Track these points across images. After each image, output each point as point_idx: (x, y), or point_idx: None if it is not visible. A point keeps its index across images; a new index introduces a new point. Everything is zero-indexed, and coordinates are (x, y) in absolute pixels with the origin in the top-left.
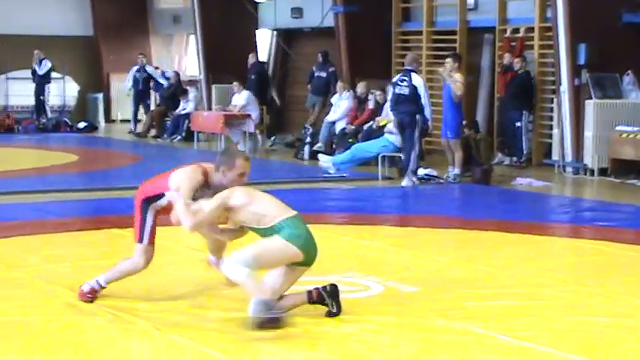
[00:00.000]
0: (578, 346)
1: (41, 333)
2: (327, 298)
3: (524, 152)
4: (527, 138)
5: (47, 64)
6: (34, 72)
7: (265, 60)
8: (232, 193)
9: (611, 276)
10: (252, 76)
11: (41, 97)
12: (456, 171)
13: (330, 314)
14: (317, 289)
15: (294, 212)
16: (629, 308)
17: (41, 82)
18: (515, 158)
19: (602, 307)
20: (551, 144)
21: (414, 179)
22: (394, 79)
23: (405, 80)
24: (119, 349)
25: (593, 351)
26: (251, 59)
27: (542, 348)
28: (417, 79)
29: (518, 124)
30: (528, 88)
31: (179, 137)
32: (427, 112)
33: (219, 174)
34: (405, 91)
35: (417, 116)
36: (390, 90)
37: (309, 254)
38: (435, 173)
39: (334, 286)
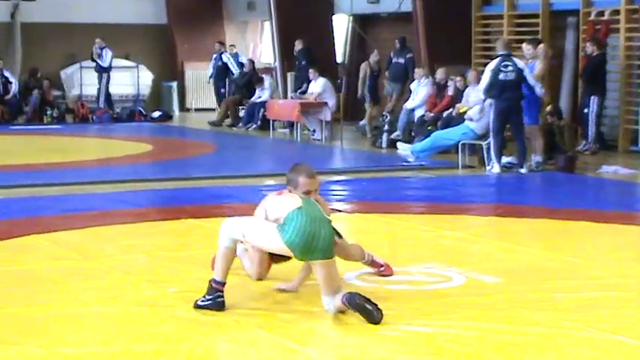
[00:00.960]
0: None
1: (118, 324)
2: (352, 308)
3: (590, 139)
4: (594, 124)
5: (108, 54)
6: (94, 60)
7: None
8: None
9: None
10: (303, 62)
11: (98, 87)
12: (538, 158)
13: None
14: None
15: (300, 202)
16: None
17: (103, 70)
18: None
19: None
20: (638, 130)
21: (498, 167)
22: (492, 66)
23: (508, 65)
24: (195, 341)
25: None
26: (297, 45)
27: (632, 341)
28: (521, 62)
29: (586, 110)
30: (599, 72)
31: (254, 126)
32: (538, 90)
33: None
34: (512, 76)
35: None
36: (486, 76)
37: (302, 251)
38: (515, 161)
39: (352, 296)
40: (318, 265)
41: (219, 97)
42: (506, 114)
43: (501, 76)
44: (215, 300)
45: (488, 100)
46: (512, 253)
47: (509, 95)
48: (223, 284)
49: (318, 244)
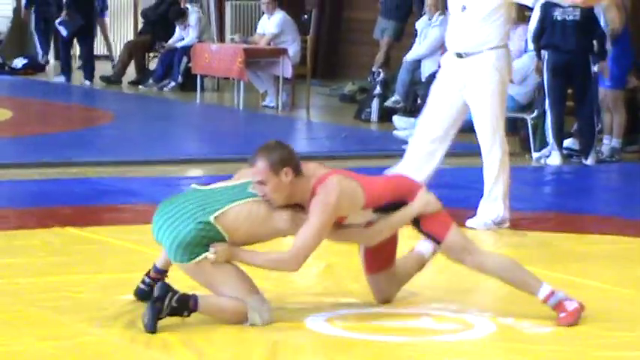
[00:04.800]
0: None
1: None
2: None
3: None
4: None
5: None
6: None
7: None
8: None
9: None
10: None
11: None
12: (614, 143)
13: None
14: None
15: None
16: None
17: None
18: None
19: None
20: None
21: (558, 156)
22: None
23: None
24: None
25: None
26: None
27: None
28: None
29: None
30: None
31: (172, 84)
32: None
33: None
34: (575, 14)
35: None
36: (536, 14)
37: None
38: (578, 146)
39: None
40: None
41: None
42: (567, 73)
43: (557, 14)
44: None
45: (533, 53)
46: (571, 287)
47: (567, 45)
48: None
49: (156, 236)
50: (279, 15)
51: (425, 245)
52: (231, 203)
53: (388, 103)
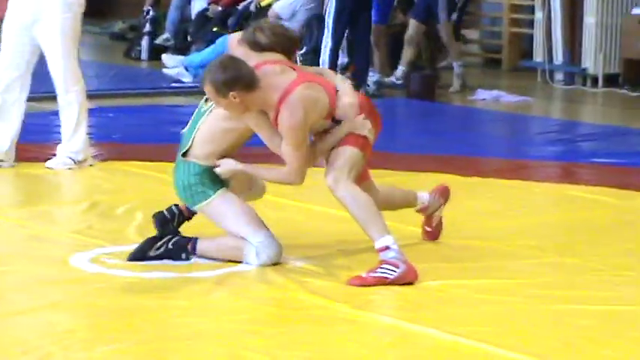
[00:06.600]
0: (554, 348)
1: None
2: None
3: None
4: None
5: None
6: None
7: None
8: None
9: (614, 242)
10: None
11: None
12: (376, 77)
13: None
14: None
15: None
16: (635, 291)
17: None
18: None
19: (594, 290)
20: (531, 36)
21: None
22: None
23: None
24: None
25: (575, 355)
26: None
27: (493, 349)
28: None
29: None
30: None
31: None
32: None
33: None
34: None
35: None
36: None
37: None
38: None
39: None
40: None
41: None
42: (354, 10)
43: None
44: None
45: None
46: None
47: None
48: None
49: None
50: None
51: (424, 195)
52: (194, 132)
53: (158, 40)
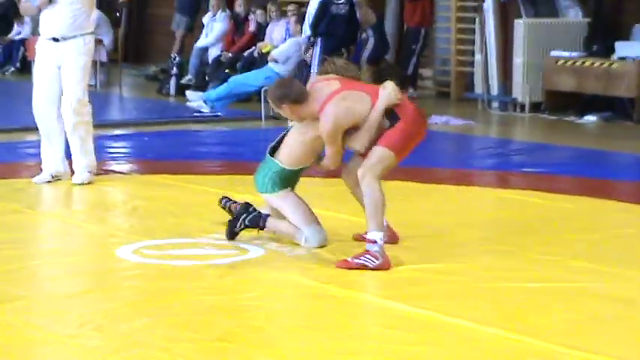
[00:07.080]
0: (495, 316)
1: None
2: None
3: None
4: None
5: None
6: None
7: None
8: None
9: (540, 233)
10: None
11: None
12: None
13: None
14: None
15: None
16: (558, 271)
17: None
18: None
19: (525, 271)
20: (473, 74)
21: None
22: None
23: None
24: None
25: (511, 321)
26: None
27: (448, 319)
28: None
29: (414, 46)
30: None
31: (12, 69)
32: None
33: None
34: (344, 9)
35: None
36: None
37: None
38: None
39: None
40: None
41: None
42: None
43: (333, 9)
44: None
45: (294, 39)
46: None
47: (341, 32)
48: None
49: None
50: (95, 13)
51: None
52: (281, 134)
53: (183, 80)
